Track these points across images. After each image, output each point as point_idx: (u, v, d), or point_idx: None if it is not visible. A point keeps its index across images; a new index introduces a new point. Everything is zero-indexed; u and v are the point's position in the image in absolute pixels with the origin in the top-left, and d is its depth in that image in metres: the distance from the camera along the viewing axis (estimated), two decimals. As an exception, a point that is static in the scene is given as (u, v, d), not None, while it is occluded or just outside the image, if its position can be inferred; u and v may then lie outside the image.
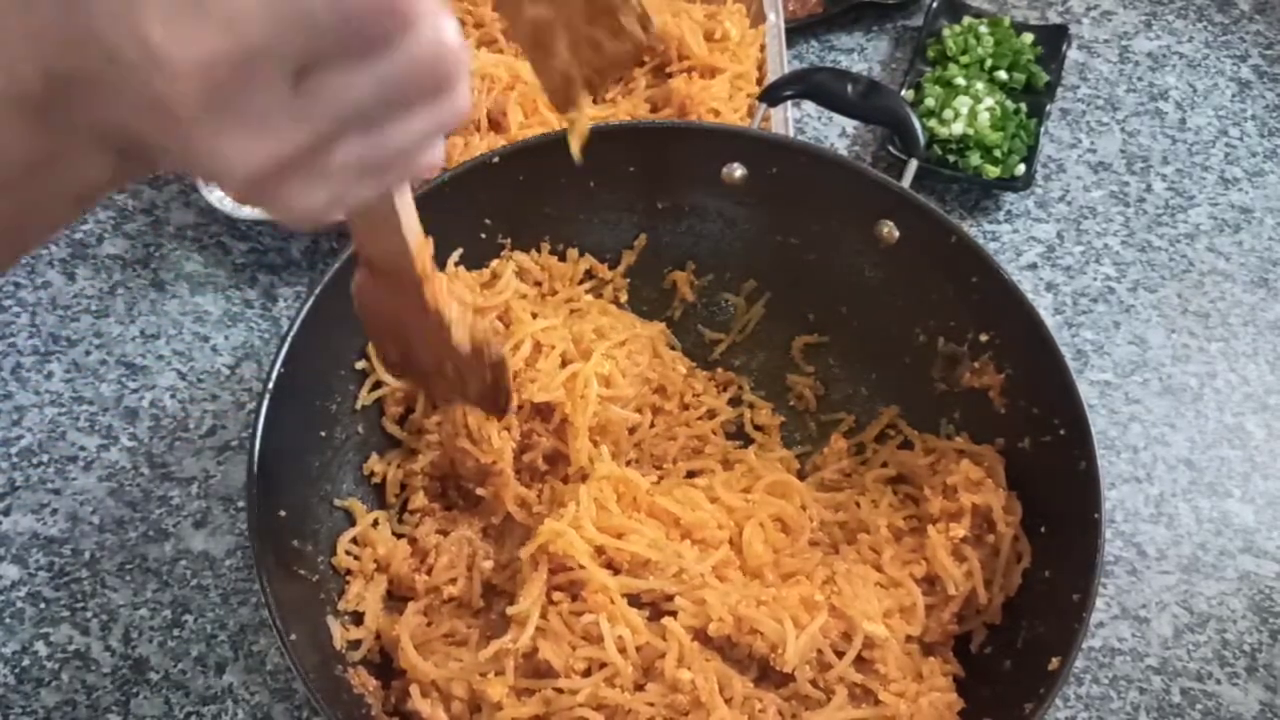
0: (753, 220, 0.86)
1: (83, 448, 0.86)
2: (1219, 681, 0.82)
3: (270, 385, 0.70)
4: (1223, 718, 0.80)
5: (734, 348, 0.90)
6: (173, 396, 0.89)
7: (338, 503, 0.77)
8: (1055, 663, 0.64)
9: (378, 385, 0.80)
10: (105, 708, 0.76)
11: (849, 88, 0.89)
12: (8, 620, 0.79)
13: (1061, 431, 0.73)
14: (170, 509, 0.84)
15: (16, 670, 0.77)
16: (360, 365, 0.80)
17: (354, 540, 0.76)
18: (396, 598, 0.75)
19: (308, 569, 0.72)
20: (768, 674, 0.70)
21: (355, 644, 0.72)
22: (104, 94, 0.35)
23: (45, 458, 0.86)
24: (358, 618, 0.73)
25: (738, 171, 0.83)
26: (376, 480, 0.80)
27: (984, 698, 0.70)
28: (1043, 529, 0.73)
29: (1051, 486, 0.73)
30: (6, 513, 0.83)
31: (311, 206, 0.37)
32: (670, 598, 0.70)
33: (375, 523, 0.77)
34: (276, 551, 0.69)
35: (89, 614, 0.80)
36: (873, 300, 0.85)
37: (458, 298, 0.58)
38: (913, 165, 0.87)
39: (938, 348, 0.82)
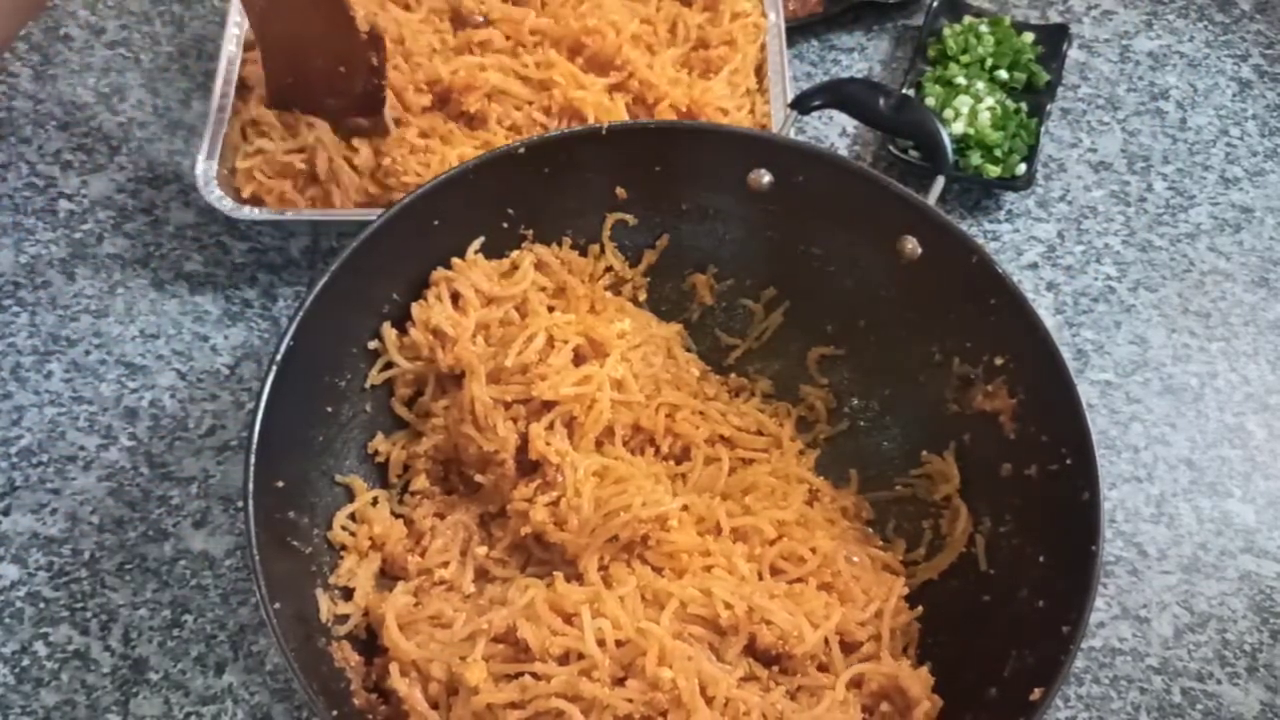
0: (776, 228, 0.86)
1: (82, 448, 0.86)
2: (1219, 681, 0.82)
3: (279, 355, 0.70)
4: (1223, 718, 0.80)
5: (750, 354, 0.90)
6: (172, 396, 0.89)
7: (339, 478, 0.78)
8: (1037, 693, 0.64)
9: (389, 366, 0.80)
10: (105, 708, 0.76)
11: (880, 100, 0.89)
12: (7, 620, 0.79)
13: (1068, 461, 0.72)
14: (170, 509, 0.84)
15: (16, 670, 0.77)
16: (373, 345, 0.80)
17: (351, 516, 0.77)
18: (389, 576, 0.76)
19: (301, 541, 0.73)
20: (755, 671, 0.70)
21: (343, 618, 0.72)
22: None
23: (45, 458, 0.86)
24: (348, 593, 0.73)
25: (765, 178, 0.83)
26: (380, 460, 0.80)
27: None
28: (1041, 558, 0.72)
29: (1053, 515, 0.72)
30: (6, 513, 0.83)
31: None
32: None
33: (374, 501, 0.78)
34: (270, 521, 0.69)
35: (89, 614, 0.80)
36: (891, 315, 0.84)
37: None
38: (939, 182, 0.86)
39: (953, 368, 0.81)
